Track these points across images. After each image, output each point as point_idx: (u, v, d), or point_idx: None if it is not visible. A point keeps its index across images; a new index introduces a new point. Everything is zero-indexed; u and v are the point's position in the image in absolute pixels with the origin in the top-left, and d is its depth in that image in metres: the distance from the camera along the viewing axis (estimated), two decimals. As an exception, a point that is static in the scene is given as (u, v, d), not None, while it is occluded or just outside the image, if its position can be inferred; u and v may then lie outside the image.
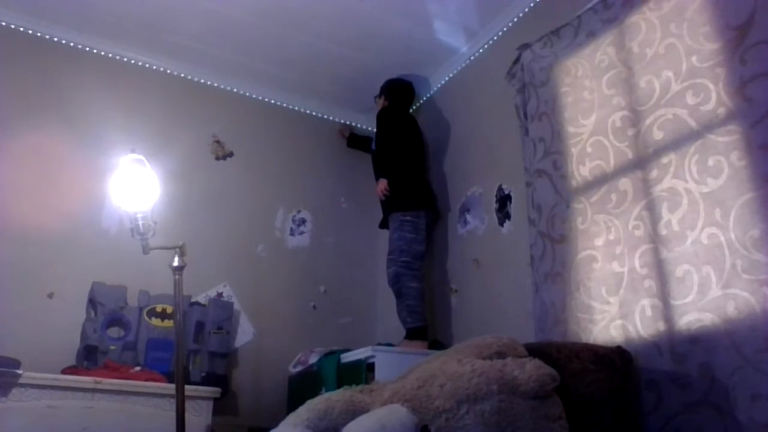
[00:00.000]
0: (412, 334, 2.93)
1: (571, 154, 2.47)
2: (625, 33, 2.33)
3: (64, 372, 2.60)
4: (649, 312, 2.02)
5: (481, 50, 3.32)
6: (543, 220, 2.50)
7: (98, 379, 2.53)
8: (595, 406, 1.79)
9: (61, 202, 3.02)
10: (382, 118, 3.35)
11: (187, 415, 2.33)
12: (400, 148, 3.25)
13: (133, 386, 2.58)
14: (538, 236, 2.51)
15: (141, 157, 2.42)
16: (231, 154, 3.55)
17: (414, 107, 3.68)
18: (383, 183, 3.17)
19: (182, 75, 3.56)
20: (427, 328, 3.01)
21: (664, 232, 2.03)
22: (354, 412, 1.69)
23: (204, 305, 3.09)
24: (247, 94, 3.73)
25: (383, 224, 3.31)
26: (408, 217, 3.10)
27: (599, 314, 2.19)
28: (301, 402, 1.81)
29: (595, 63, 2.45)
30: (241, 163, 3.57)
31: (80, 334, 2.81)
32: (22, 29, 3.18)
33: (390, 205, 3.18)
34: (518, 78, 2.80)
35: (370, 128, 3.86)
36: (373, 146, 3.45)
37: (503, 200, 2.92)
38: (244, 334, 3.28)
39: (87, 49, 3.33)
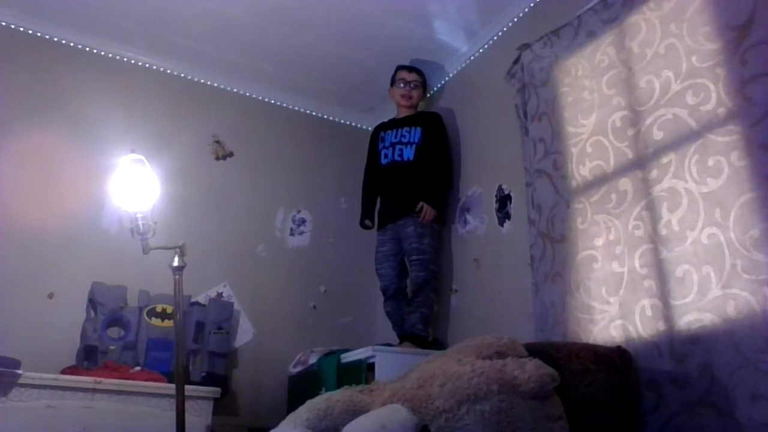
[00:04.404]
0: (416, 340, 2.91)
1: (571, 154, 2.47)
2: (625, 33, 2.33)
3: (64, 372, 2.60)
4: (649, 312, 2.02)
5: (481, 50, 3.31)
6: (543, 220, 2.50)
7: (98, 379, 2.53)
8: (595, 406, 1.79)
9: (61, 202, 3.01)
10: (439, 123, 3.27)
11: (187, 415, 2.33)
12: (446, 158, 3.23)
13: (133, 386, 2.58)
14: (538, 236, 2.51)
15: (141, 157, 2.42)
16: (231, 154, 3.55)
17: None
18: (430, 212, 2.99)
19: (182, 75, 3.55)
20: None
21: (664, 232, 2.02)
22: (354, 412, 1.68)
23: (204, 305, 3.09)
24: (247, 94, 3.73)
25: (383, 223, 3.19)
26: (437, 227, 3.11)
27: (599, 314, 2.19)
28: (301, 402, 1.81)
29: (595, 63, 2.44)
30: (241, 163, 3.56)
31: (80, 334, 2.81)
32: (22, 29, 3.17)
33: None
34: (518, 78, 2.80)
35: (369, 128, 3.84)
36: (411, 149, 3.17)
37: (503, 200, 2.92)
38: (244, 334, 3.28)
39: (87, 49, 3.32)
